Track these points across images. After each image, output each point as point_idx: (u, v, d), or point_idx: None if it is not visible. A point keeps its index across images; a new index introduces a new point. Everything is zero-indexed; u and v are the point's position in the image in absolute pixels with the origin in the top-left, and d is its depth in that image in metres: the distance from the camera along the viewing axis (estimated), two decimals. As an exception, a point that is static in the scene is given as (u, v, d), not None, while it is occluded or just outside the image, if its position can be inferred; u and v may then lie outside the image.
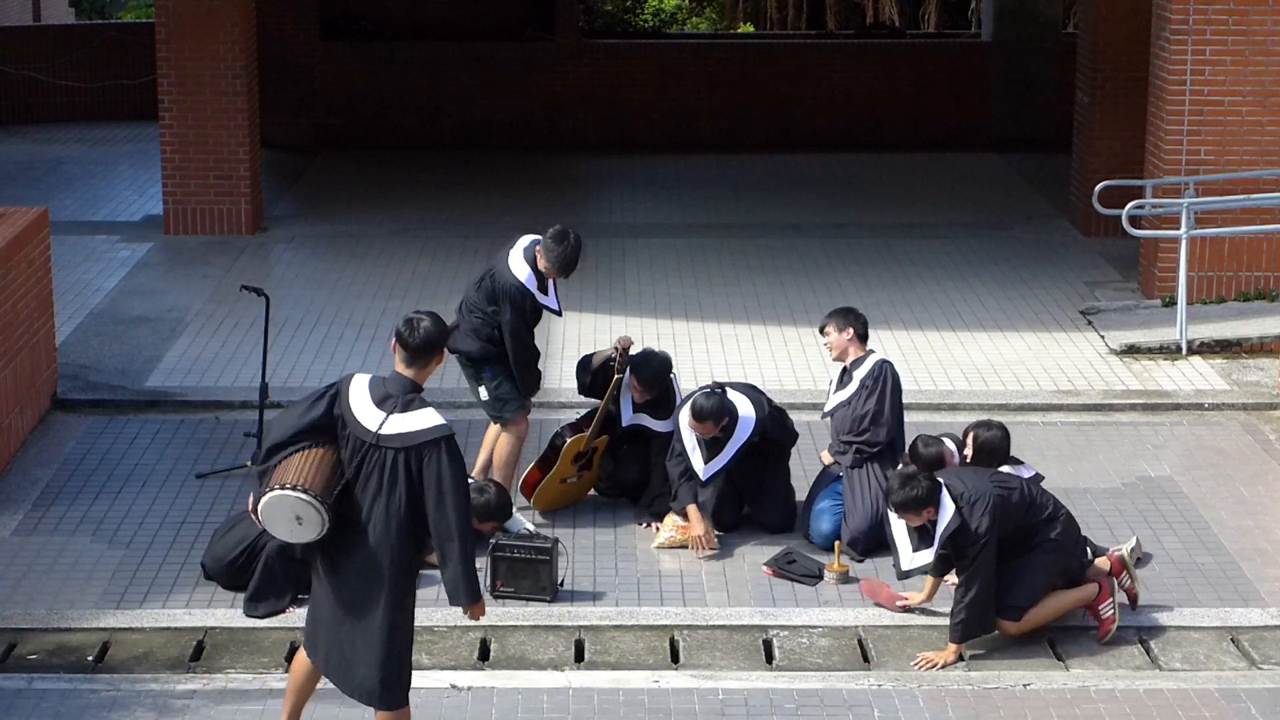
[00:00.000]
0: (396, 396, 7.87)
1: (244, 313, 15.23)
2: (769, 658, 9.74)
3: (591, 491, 11.72)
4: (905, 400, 11.39)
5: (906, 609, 10.11)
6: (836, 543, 10.69)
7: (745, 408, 11.12)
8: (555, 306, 11.41)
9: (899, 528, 9.88)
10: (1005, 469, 10.34)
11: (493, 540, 10.39)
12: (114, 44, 25.53)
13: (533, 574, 10.25)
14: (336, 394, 7.92)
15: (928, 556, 9.78)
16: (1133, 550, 10.52)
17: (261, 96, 19.08)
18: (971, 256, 17.68)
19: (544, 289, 11.23)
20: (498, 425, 11.46)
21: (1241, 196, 15.07)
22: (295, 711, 8.36)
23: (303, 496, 7.73)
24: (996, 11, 24.14)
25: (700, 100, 23.98)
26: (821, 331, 11.38)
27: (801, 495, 11.36)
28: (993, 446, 10.42)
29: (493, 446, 11.50)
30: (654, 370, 11.42)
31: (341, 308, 15.72)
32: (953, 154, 22.99)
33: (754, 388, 11.56)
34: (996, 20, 24.10)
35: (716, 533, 11.06)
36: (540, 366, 11.42)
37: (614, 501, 11.66)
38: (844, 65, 24.21)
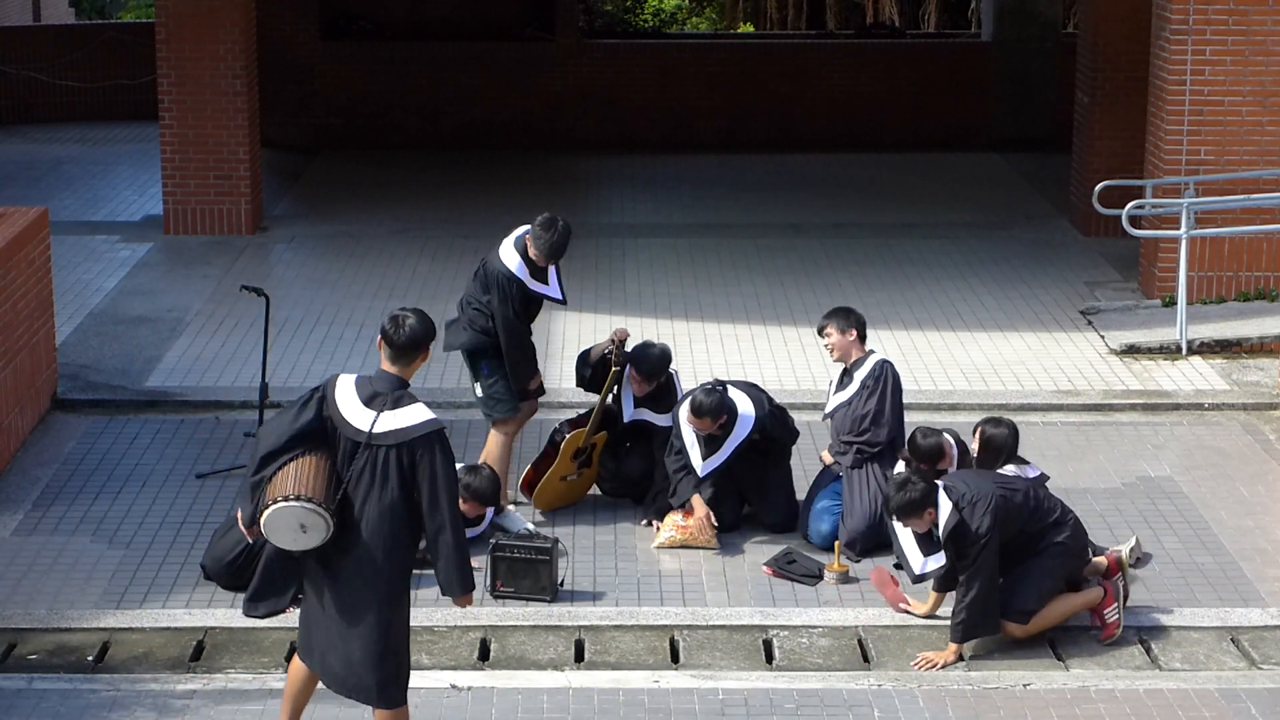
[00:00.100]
0: (385, 394, 7.88)
1: (244, 313, 15.23)
2: (769, 658, 9.74)
3: (593, 490, 11.72)
4: (905, 400, 11.38)
5: (907, 613, 10.10)
6: (836, 543, 10.70)
7: (745, 406, 11.12)
8: (556, 295, 11.36)
9: (905, 536, 9.86)
10: (1010, 468, 10.32)
11: (493, 540, 10.40)
12: (114, 44, 25.53)
13: (533, 574, 10.25)
14: (324, 397, 7.91)
15: (941, 559, 9.74)
16: (1132, 550, 10.52)
17: (261, 96, 19.08)
18: (971, 256, 17.68)
19: (540, 277, 11.22)
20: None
21: (1241, 196, 15.07)
22: (294, 718, 8.35)
23: (307, 506, 7.72)
24: (996, 11, 24.14)
25: (700, 100, 23.99)
26: (821, 333, 11.34)
27: (801, 495, 11.36)
28: (998, 444, 10.41)
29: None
30: (653, 361, 11.43)
31: (341, 308, 15.72)
32: (953, 154, 22.99)
33: (755, 386, 11.56)
34: (996, 20, 24.10)
35: (718, 532, 11.08)
36: (538, 362, 11.37)
37: (614, 501, 11.66)
38: (844, 65, 24.21)
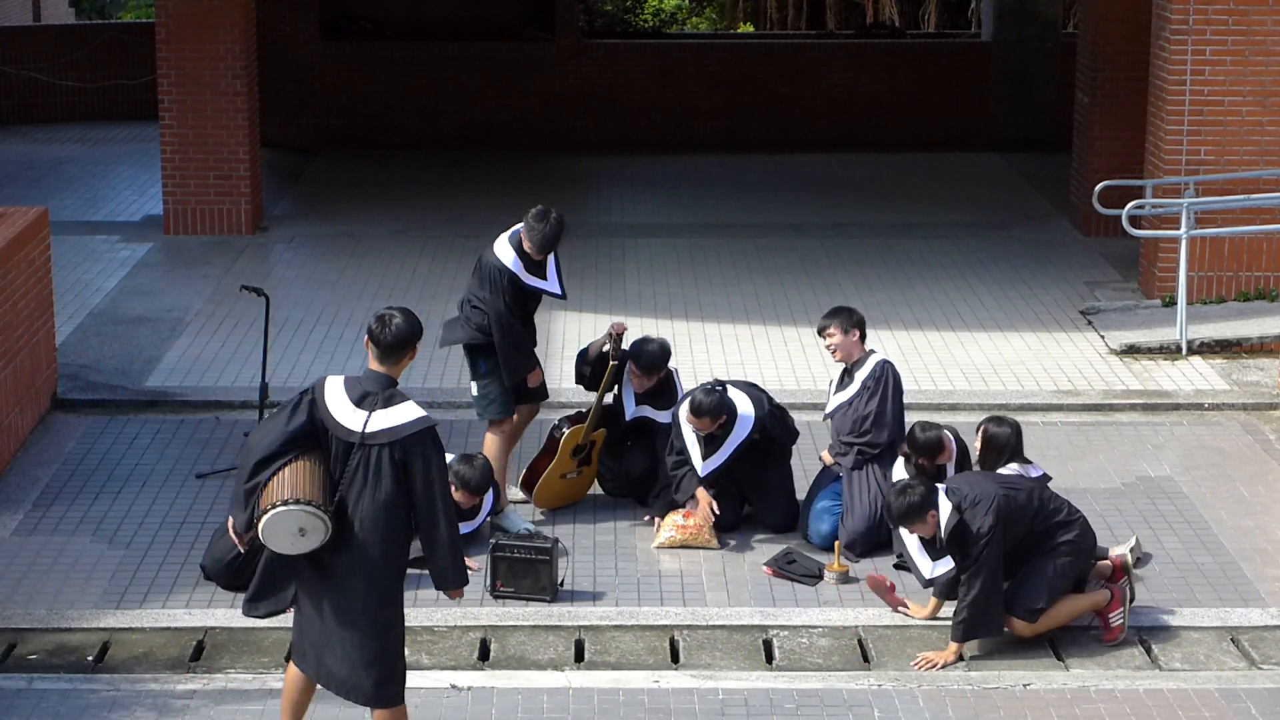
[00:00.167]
0: (376, 394, 7.89)
1: (244, 313, 15.23)
2: (769, 658, 9.74)
3: (593, 490, 11.72)
4: (905, 400, 11.37)
5: (907, 615, 10.09)
6: (836, 543, 10.69)
7: (745, 406, 11.12)
8: (554, 289, 11.36)
9: (912, 543, 9.86)
10: (1014, 466, 10.31)
11: (493, 540, 10.40)
12: (114, 44, 25.53)
13: (533, 574, 10.24)
14: (314, 400, 7.91)
15: (949, 564, 9.74)
16: (1132, 550, 10.52)
17: (261, 96, 19.08)
18: (971, 256, 17.68)
19: (536, 272, 11.22)
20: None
21: (1241, 196, 15.07)
22: None
23: (306, 509, 7.71)
24: (996, 11, 24.14)
25: (700, 100, 23.99)
26: (822, 333, 11.30)
27: (801, 495, 11.36)
28: (1000, 443, 10.40)
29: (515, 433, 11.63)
30: (652, 356, 11.43)
31: (341, 308, 15.72)
32: (953, 154, 22.99)
33: (754, 386, 11.56)
34: (996, 20, 24.10)
35: (717, 534, 11.08)
36: (531, 357, 11.33)
37: (614, 501, 11.66)
38: (844, 65, 24.22)
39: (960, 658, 9.64)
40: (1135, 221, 15.27)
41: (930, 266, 17.25)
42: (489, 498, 10.92)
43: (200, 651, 9.72)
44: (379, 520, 7.81)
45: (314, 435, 7.87)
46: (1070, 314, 15.64)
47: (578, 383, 11.77)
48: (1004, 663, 9.63)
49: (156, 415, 13.23)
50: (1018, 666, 9.59)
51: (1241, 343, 14.53)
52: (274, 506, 7.71)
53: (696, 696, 9.26)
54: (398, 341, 7.93)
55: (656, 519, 11.22)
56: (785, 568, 10.64)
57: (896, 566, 10.71)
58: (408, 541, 7.99)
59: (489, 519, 11.17)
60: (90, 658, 9.65)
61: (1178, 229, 14.88)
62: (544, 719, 9.05)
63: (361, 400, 7.87)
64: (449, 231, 18.44)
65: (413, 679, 9.18)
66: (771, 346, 14.78)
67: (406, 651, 9.46)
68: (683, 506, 11.08)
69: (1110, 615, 9.85)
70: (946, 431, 10.77)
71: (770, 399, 11.36)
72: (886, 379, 11.08)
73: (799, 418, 11.96)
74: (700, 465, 11.08)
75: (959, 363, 14.35)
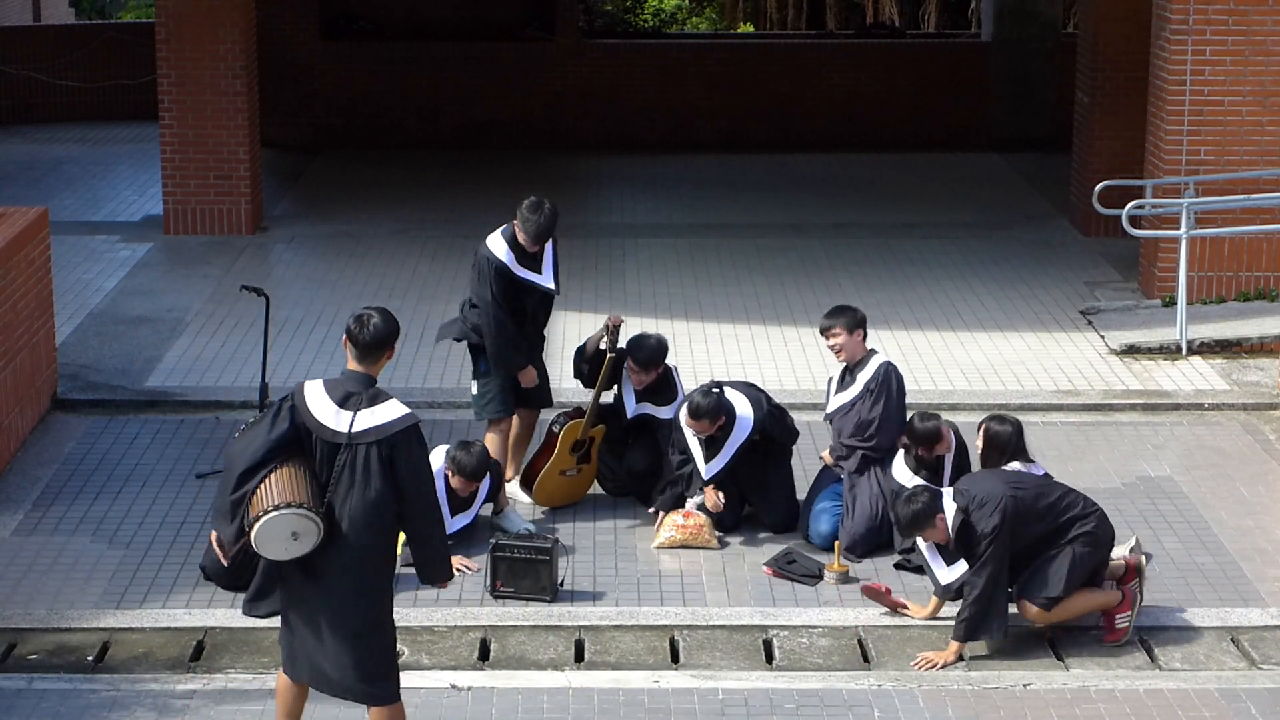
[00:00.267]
0: (359, 393, 7.91)
1: (244, 313, 15.23)
2: (769, 658, 9.74)
3: (593, 490, 11.72)
4: (906, 400, 11.36)
5: (906, 615, 10.09)
6: (836, 543, 10.69)
7: (744, 407, 11.12)
8: (545, 283, 11.37)
9: (928, 550, 9.86)
10: (1016, 465, 10.30)
11: (493, 540, 10.40)
12: (114, 44, 25.53)
13: (533, 574, 10.24)
14: (294, 405, 7.92)
15: (964, 566, 9.74)
16: (1133, 550, 10.52)
17: (261, 96, 19.08)
18: (971, 256, 17.68)
19: (529, 265, 11.25)
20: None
21: (1241, 196, 15.07)
22: None
23: (297, 512, 7.71)
24: (996, 11, 24.14)
25: (700, 100, 23.99)
26: (826, 333, 11.24)
27: (801, 495, 11.36)
28: (1001, 442, 10.39)
29: (517, 439, 11.69)
30: (650, 351, 11.44)
31: (341, 308, 15.71)
32: (953, 154, 22.99)
33: (753, 386, 11.55)
34: (996, 20, 24.10)
35: (718, 533, 11.09)
36: (522, 353, 11.32)
37: (614, 501, 11.67)
38: (844, 65, 24.22)
39: (960, 658, 9.64)
40: (1135, 221, 15.27)
41: (930, 266, 17.25)
42: (485, 484, 10.93)
43: (200, 651, 9.72)
44: (369, 519, 7.83)
45: (296, 441, 7.89)
46: (1070, 314, 15.64)
47: (575, 377, 11.78)
48: (1004, 663, 9.63)
49: (156, 415, 13.23)
50: (1018, 666, 9.59)
51: (1241, 343, 14.53)
52: (265, 513, 7.70)
53: (696, 696, 9.26)
54: (375, 341, 7.97)
55: (661, 513, 11.20)
56: (785, 568, 10.64)
57: (897, 566, 10.71)
58: (395, 539, 8.01)
59: (492, 518, 11.19)
60: (90, 658, 9.64)
61: (1178, 229, 14.88)
62: (544, 719, 9.05)
63: (345, 401, 7.89)
64: (449, 231, 18.44)
65: (413, 679, 9.20)
66: (771, 346, 14.78)
67: (406, 651, 9.52)
68: (695, 498, 11.10)
69: (1118, 616, 9.84)
70: (945, 423, 10.78)
71: (769, 399, 11.35)
72: (890, 382, 11.07)
73: (799, 418, 11.96)
74: (703, 468, 11.09)
75: (959, 363, 14.35)
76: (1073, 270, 17.09)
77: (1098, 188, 15.80)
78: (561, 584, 10.37)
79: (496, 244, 11.23)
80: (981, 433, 10.51)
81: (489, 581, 10.28)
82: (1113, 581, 9.98)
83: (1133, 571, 10.04)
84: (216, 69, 17.98)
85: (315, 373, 13.79)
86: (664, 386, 11.57)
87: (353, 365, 7.99)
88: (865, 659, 9.71)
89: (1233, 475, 12.23)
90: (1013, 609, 9.71)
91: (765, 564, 10.74)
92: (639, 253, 17.84)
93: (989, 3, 24.99)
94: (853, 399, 11.14)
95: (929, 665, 9.58)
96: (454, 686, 9.33)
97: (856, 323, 11.16)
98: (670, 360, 11.74)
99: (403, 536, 8.06)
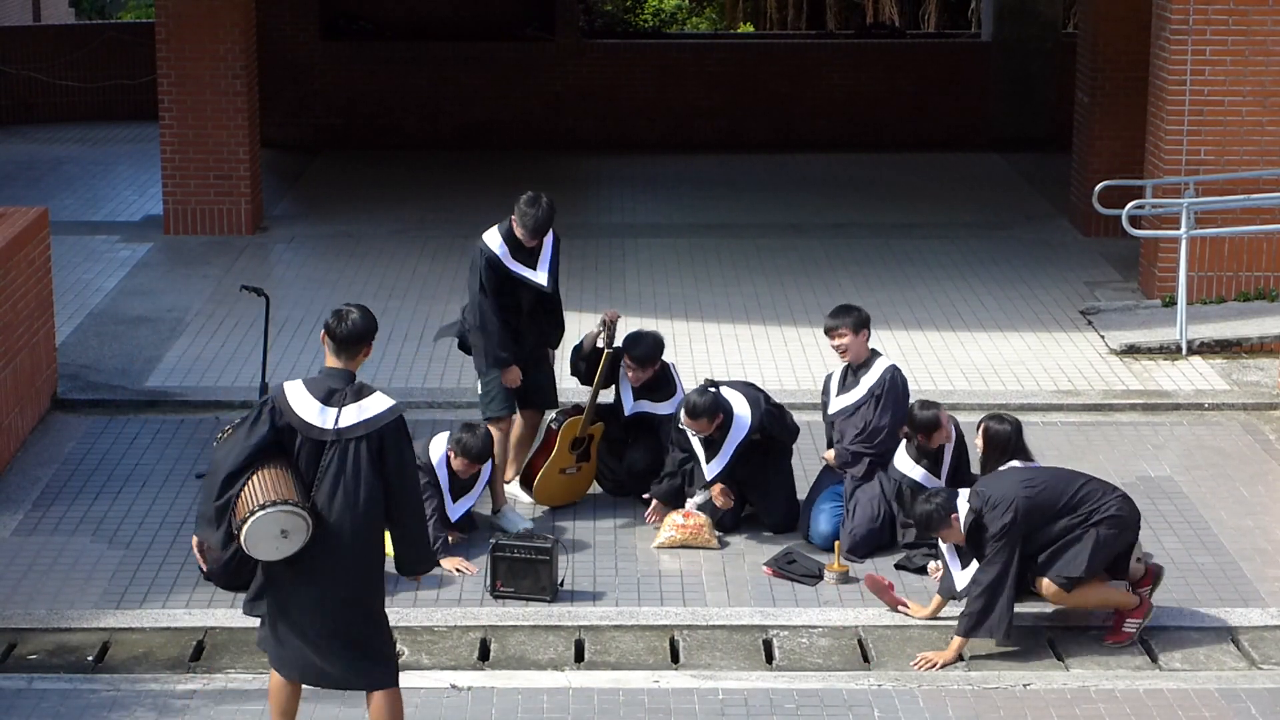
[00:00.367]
0: (342, 389, 7.95)
1: (244, 313, 15.23)
2: (769, 658, 9.74)
3: (593, 490, 11.72)
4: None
5: (906, 614, 10.09)
6: (836, 543, 10.69)
7: (741, 406, 11.12)
8: (537, 280, 11.37)
9: (947, 550, 9.87)
10: (1016, 464, 10.30)
11: (493, 540, 10.40)
12: (114, 44, 25.53)
13: (533, 574, 10.24)
14: (274, 408, 7.94)
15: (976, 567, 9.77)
16: (1139, 559, 10.50)
17: (261, 96, 19.08)
18: (971, 256, 17.68)
19: (524, 260, 11.27)
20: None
21: (1241, 196, 15.07)
22: None
23: (284, 509, 7.72)
24: (996, 11, 24.14)
25: (700, 100, 23.99)
26: (831, 333, 11.21)
27: (801, 495, 11.36)
28: (1001, 441, 10.38)
29: (519, 441, 11.70)
30: (646, 347, 11.46)
31: (341, 308, 15.70)
32: (953, 154, 22.99)
33: (751, 385, 11.55)
34: (996, 20, 24.10)
35: (718, 533, 11.09)
36: (507, 350, 11.31)
37: (614, 501, 11.67)
38: (844, 65, 24.22)
39: (960, 657, 9.64)
40: (1135, 221, 15.27)
41: (930, 266, 17.25)
42: (487, 467, 10.96)
43: (200, 651, 9.72)
44: (361, 512, 7.87)
45: (277, 443, 7.91)
46: (1070, 314, 15.64)
47: (573, 375, 11.79)
48: (1004, 663, 9.63)
49: (156, 415, 13.23)
50: (1018, 666, 9.59)
51: (1241, 343, 14.53)
52: (253, 513, 7.71)
53: (696, 696, 9.26)
54: (353, 335, 8.01)
55: (657, 506, 11.19)
56: (785, 568, 10.64)
57: (898, 566, 10.71)
58: (384, 529, 8.04)
59: (491, 516, 11.20)
60: (90, 658, 9.64)
61: (1178, 229, 14.88)
62: (544, 719, 9.05)
63: (329, 398, 7.92)
64: (449, 231, 18.44)
65: (413, 679, 9.20)
66: (771, 346, 14.78)
67: (406, 651, 9.53)
68: (695, 498, 11.11)
69: (1129, 620, 9.82)
70: (946, 413, 10.78)
71: (767, 397, 11.35)
72: (896, 388, 11.06)
73: (799, 417, 11.95)
74: (706, 469, 11.09)
75: (959, 363, 14.35)
76: (1073, 270, 17.09)
77: (1098, 188, 15.80)
78: (561, 584, 10.37)
79: (491, 237, 11.30)
80: (981, 432, 10.50)
81: (489, 581, 10.28)
82: (1130, 585, 9.98)
83: (1150, 577, 10.03)
84: (216, 69, 17.98)
85: (314, 372, 13.78)
86: (662, 383, 11.59)
87: (332, 362, 8.04)
88: (865, 659, 9.71)
89: (1233, 475, 12.24)
90: (1022, 610, 9.70)
91: (765, 564, 10.74)
92: (639, 253, 17.84)
93: (989, 3, 24.99)
94: (856, 402, 11.13)
95: (929, 665, 9.58)
96: (454, 686, 9.33)
97: (862, 323, 11.17)
98: (669, 359, 11.73)
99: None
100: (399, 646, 9.56)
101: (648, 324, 14.98)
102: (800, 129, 23.94)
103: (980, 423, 10.59)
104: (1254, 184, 15.23)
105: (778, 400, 11.54)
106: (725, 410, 11.04)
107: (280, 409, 7.91)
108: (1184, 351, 14.41)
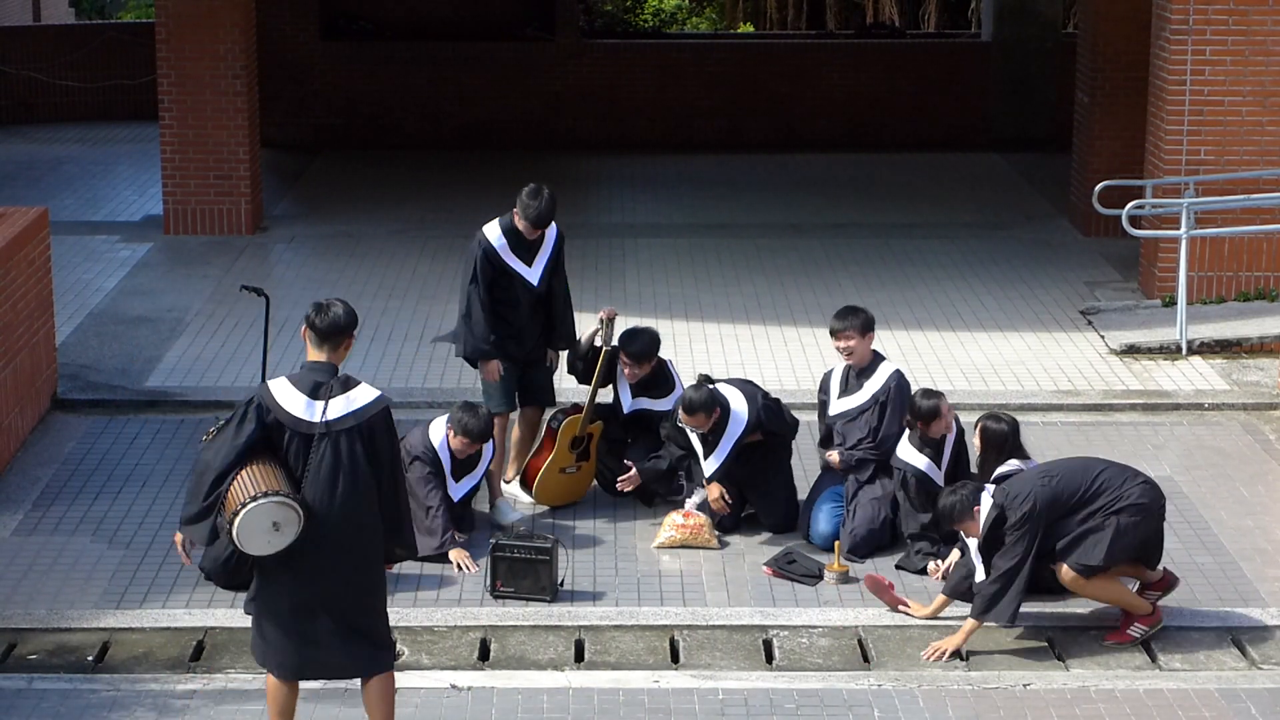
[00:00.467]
0: (328, 382, 8.00)
1: (244, 313, 15.23)
2: (769, 658, 9.74)
3: (593, 490, 11.72)
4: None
5: (907, 614, 10.08)
6: (836, 543, 10.69)
7: (738, 401, 11.12)
8: (530, 277, 11.39)
9: (972, 548, 9.88)
10: (1014, 462, 10.30)
11: (493, 540, 10.41)
12: (114, 44, 25.53)
13: (533, 574, 10.24)
14: (260, 405, 7.96)
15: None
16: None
17: (261, 96, 19.08)
18: (971, 256, 17.68)
19: (523, 255, 11.29)
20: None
21: (1241, 196, 15.07)
22: None
23: (274, 500, 7.74)
24: (996, 11, 24.14)
25: (700, 100, 23.99)
26: (837, 335, 11.18)
27: (802, 495, 11.36)
28: (998, 440, 10.39)
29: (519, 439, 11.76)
30: (643, 344, 11.47)
31: (341, 308, 15.70)
32: (953, 154, 22.99)
33: (748, 381, 11.56)
34: (996, 20, 24.10)
35: (717, 533, 11.09)
36: (488, 343, 11.32)
37: (614, 501, 11.66)
38: (844, 65, 24.22)
39: (960, 656, 9.63)
40: (1135, 221, 15.27)
41: (930, 266, 17.25)
42: (488, 448, 10.97)
43: (200, 651, 9.72)
44: (358, 501, 7.92)
45: (265, 441, 7.94)
46: (1070, 314, 15.64)
47: (570, 373, 11.79)
48: (1004, 663, 9.64)
49: (156, 415, 13.23)
50: (1018, 666, 9.60)
51: (1241, 343, 14.53)
52: (244, 505, 7.72)
53: (696, 696, 9.26)
54: (334, 327, 8.06)
55: (633, 476, 11.24)
56: (785, 568, 10.64)
57: (898, 567, 10.72)
58: (379, 516, 8.07)
59: (490, 511, 11.24)
60: (90, 658, 9.64)
61: (1178, 229, 14.88)
62: (544, 719, 9.05)
63: (316, 390, 7.96)
64: (449, 231, 18.42)
65: (413, 679, 9.21)
66: (771, 346, 14.78)
67: (406, 651, 9.53)
68: (694, 498, 11.11)
69: (1137, 624, 9.81)
70: (947, 404, 10.78)
71: (764, 393, 11.35)
72: (901, 395, 11.06)
73: (800, 418, 11.95)
74: (705, 466, 11.09)
75: (959, 363, 14.35)
76: (1073, 270, 17.09)
77: (1098, 188, 15.80)
78: (561, 584, 10.37)
79: (491, 229, 11.35)
80: (978, 432, 10.52)
81: (489, 581, 10.28)
82: (1146, 586, 9.98)
83: (1164, 583, 10.02)
84: (216, 69, 17.98)
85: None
86: (659, 380, 11.60)
87: (314, 355, 8.11)
88: (865, 659, 9.71)
89: (1233, 475, 12.24)
90: (1023, 610, 9.70)
91: (765, 564, 10.74)
92: (639, 253, 17.84)
93: (989, 3, 24.99)
94: (859, 407, 11.14)
95: (938, 653, 9.59)
96: (454, 686, 9.33)
97: (868, 325, 11.18)
98: (669, 357, 11.73)
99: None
100: (399, 647, 9.60)
101: (647, 324, 15.02)
102: (800, 129, 23.94)
103: (977, 422, 10.60)
104: (1254, 184, 15.23)
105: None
106: (722, 405, 11.04)
107: (267, 406, 7.94)
108: (1184, 351, 14.41)
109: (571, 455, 11.50)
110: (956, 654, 9.68)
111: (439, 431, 10.82)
